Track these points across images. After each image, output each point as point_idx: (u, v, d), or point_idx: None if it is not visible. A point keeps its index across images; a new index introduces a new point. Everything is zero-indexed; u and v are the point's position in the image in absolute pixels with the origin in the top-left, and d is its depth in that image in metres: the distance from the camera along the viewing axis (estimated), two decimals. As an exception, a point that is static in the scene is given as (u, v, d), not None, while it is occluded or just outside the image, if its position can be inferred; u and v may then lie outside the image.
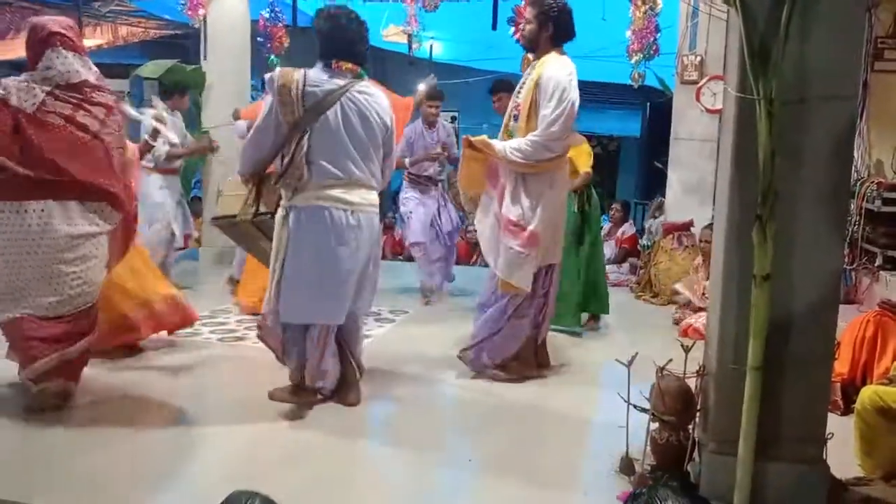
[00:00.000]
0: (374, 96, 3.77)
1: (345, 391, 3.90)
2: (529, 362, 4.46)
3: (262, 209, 3.87)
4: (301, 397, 3.81)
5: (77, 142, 3.56)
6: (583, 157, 5.66)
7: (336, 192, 3.62)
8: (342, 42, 3.74)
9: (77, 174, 3.55)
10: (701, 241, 6.31)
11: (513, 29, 7.20)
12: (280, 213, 3.70)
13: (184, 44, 11.31)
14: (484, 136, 4.30)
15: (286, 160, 3.60)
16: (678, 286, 6.39)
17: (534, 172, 4.15)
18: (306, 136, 3.58)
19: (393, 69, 11.09)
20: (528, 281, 4.21)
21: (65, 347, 3.63)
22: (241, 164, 3.83)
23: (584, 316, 5.80)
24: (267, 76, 3.66)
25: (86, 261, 3.64)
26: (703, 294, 5.87)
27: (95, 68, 3.78)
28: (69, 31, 3.73)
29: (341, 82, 3.67)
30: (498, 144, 4.19)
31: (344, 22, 3.76)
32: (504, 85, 5.78)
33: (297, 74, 3.62)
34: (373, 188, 3.77)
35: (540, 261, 4.26)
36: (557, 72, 4.10)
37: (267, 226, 3.85)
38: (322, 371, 3.80)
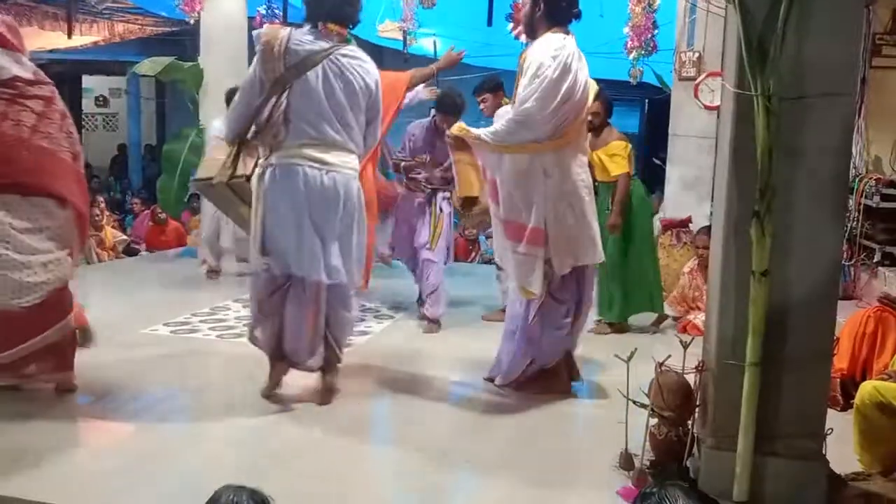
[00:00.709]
0: (359, 59, 3.76)
1: (323, 384, 3.88)
2: (560, 376, 4.13)
3: (240, 173, 3.85)
4: (276, 371, 3.81)
5: (11, 138, 3.53)
6: (616, 159, 5.30)
7: (311, 152, 3.61)
8: (329, 4, 3.71)
9: (13, 171, 3.53)
10: (698, 246, 5.91)
11: (511, 25, 7.19)
12: (257, 171, 3.72)
13: (181, 40, 11.29)
14: (461, 123, 4.02)
15: (264, 118, 3.62)
16: (669, 311, 5.85)
17: (517, 153, 3.77)
18: (285, 95, 3.59)
19: (388, 65, 11.07)
20: (538, 284, 3.85)
21: (32, 338, 3.62)
22: (227, 124, 3.85)
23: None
24: (254, 32, 3.71)
25: (37, 253, 3.61)
26: (693, 307, 5.65)
27: (31, 64, 3.74)
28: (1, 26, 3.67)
29: (326, 45, 3.66)
30: (474, 130, 3.89)
31: None
32: (489, 84, 5.51)
33: (283, 32, 3.63)
34: (351, 151, 3.75)
35: (560, 262, 3.86)
36: (539, 49, 3.79)
37: (243, 189, 3.84)
38: (311, 344, 3.74)
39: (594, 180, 5.32)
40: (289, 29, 3.65)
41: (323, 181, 3.62)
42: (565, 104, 3.70)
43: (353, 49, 3.77)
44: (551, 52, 3.71)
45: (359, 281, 4.04)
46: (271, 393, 3.84)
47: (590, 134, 5.10)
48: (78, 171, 3.81)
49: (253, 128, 3.70)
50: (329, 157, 3.65)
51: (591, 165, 5.24)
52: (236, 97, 3.80)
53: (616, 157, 5.33)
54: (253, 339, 3.88)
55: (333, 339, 3.84)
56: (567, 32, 3.83)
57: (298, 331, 3.72)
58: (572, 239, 3.88)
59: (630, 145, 5.49)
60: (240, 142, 3.79)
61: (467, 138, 3.88)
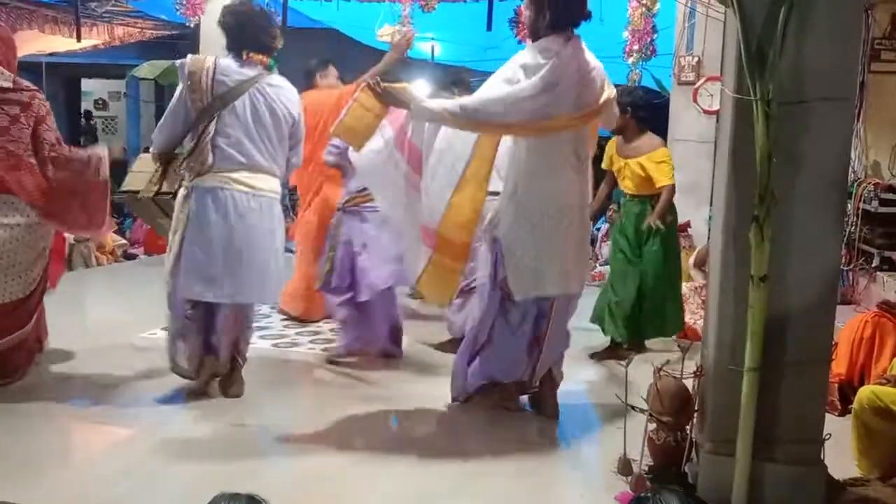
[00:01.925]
0: (282, 89, 3.92)
1: (228, 382, 3.97)
2: (511, 395, 3.90)
3: (165, 188, 4.00)
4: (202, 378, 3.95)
5: None
6: (663, 168, 4.79)
7: (238, 176, 3.76)
8: (249, 34, 3.86)
9: None
10: (698, 265, 5.69)
11: (515, 30, 7.20)
12: (182, 192, 3.83)
13: (180, 44, 11.29)
14: (405, 84, 3.66)
15: (193, 143, 3.76)
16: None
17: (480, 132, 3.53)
18: (213, 122, 3.74)
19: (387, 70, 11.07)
20: (440, 297, 3.87)
21: None
22: (155, 143, 3.94)
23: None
24: (178, 62, 3.82)
25: (7, 254, 3.78)
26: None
27: (9, 73, 3.86)
28: None
29: (251, 73, 3.82)
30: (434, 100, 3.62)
31: (248, 15, 3.91)
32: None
33: (208, 62, 3.78)
34: (275, 175, 3.91)
35: (515, 286, 3.57)
36: (528, 50, 3.59)
37: (167, 204, 4.01)
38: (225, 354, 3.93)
39: (624, 194, 5.02)
40: (213, 59, 3.81)
41: (250, 204, 3.78)
42: (556, 87, 3.40)
43: (276, 78, 3.93)
44: (533, 49, 3.55)
45: (274, 297, 4.23)
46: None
47: (619, 138, 4.92)
48: (43, 176, 3.87)
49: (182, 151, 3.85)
50: (255, 181, 3.81)
51: (613, 176, 4.98)
52: (163, 118, 3.91)
53: (663, 166, 4.80)
54: (174, 368, 3.95)
55: (236, 342, 4.00)
56: (569, 37, 3.54)
57: (219, 343, 3.91)
58: (543, 266, 3.55)
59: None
60: (166, 161, 3.91)
61: (406, 99, 3.52)
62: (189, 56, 3.83)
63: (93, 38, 10.12)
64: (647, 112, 4.91)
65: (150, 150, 4.04)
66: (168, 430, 3.59)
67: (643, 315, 4.89)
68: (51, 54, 10.83)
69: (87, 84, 16.71)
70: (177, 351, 3.92)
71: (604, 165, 5.08)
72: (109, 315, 5.06)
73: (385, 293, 4.62)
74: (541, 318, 3.65)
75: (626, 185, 4.94)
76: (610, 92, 3.62)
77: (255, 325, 4.34)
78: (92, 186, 4.03)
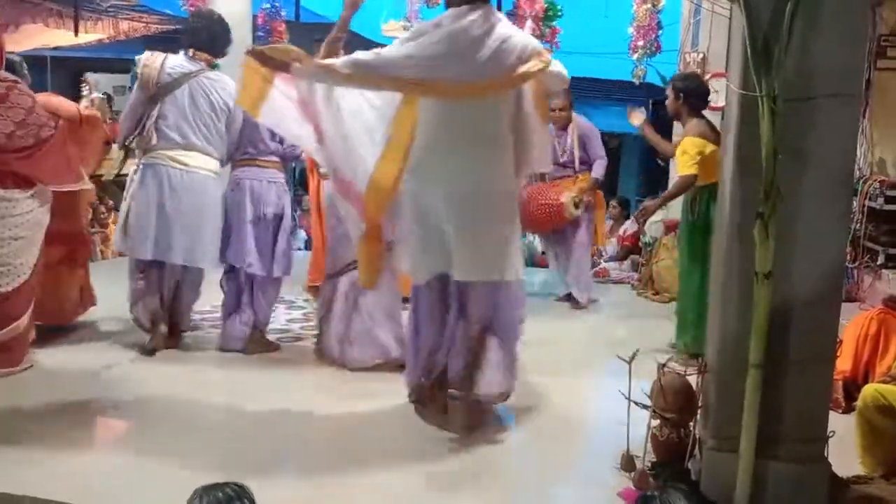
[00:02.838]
0: (220, 82, 4.54)
1: (170, 339, 4.64)
2: (435, 397, 3.72)
3: (124, 172, 4.87)
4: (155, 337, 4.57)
5: None
6: (683, 158, 4.63)
7: (174, 154, 4.43)
8: (205, 37, 4.58)
9: None
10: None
11: (514, 21, 7.19)
12: (132, 168, 4.59)
13: (184, 39, 11.29)
14: (287, 46, 3.52)
15: (140, 126, 4.47)
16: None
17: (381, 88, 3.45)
18: (156, 108, 4.43)
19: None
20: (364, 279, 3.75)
21: None
22: (120, 131, 4.62)
23: None
24: (137, 58, 4.50)
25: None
26: None
27: None
28: None
29: (194, 68, 4.51)
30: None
31: (210, 22, 4.67)
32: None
33: (159, 59, 4.48)
34: (210, 155, 4.53)
35: (407, 265, 3.60)
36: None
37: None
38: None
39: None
40: (164, 55, 4.51)
41: (182, 179, 4.43)
42: (441, 51, 3.31)
43: (217, 73, 4.62)
44: (445, 15, 3.46)
45: (213, 262, 4.63)
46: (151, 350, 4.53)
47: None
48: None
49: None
50: (189, 159, 4.45)
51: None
52: (125, 109, 4.60)
53: (682, 157, 4.64)
54: (135, 321, 4.61)
55: (179, 312, 4.71)
56: (475, 7, 3.39)
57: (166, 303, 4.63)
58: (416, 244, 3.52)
59: (708, 144, 4.58)
60: (126, 146, 4.62)
61: (286, 60, 3.39)
62: (144, 54, 4.52)
63: (98, 33, 10.14)
64: (697, 99, 4.77)
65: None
66: (171, 422, 3.60)
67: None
68: (55, 48, 10.84)
69: (92, 78, 16.71)
70: (137, 308, 4.56)
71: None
72: (112, 308, 5.06)
73: None
74: (457, 307, 3.53)
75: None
76: (534, 65, 3.37)
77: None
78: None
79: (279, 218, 4.59)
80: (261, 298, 4.63)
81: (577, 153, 6.06)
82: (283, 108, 3.54)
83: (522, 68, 3.36)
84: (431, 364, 3.63)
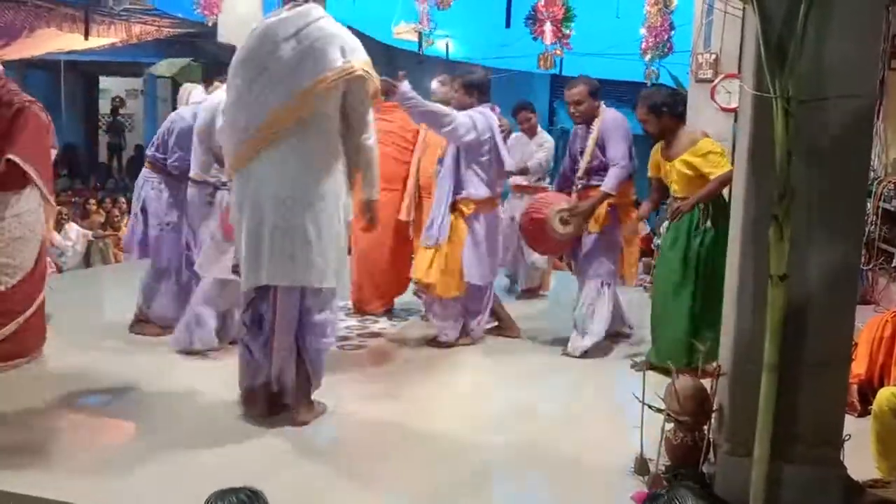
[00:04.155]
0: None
1: None
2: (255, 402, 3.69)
3: None
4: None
5: None
6: (712, 158, 4.30)
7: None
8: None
9: None
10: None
11: (532, 28, 7.19)
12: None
13: (197, 42, 11.34)
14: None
15: None
16: None
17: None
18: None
19: (403, 67, 11.09)
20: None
21: None
22: None
23: None
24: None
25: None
26: None
27: None
28: None
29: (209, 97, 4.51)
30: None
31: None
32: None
33: (186, 91, 4.89)
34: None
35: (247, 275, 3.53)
36: None
37: None
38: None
39: (667, 197, 4.59)
40: (191, 87, 4.86)
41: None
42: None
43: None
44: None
45: None
46: None
47: (662, 143, 4.52)
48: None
49: None
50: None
51: (662, 183, 4.53)
52: None
53: (711, 156, 4.30)
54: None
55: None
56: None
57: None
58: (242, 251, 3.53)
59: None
60: None
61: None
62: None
63: (110, 37, 10.20)
64: (682, 108, 4.67)
65: None
66: (180, 423, 3.60)
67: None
68: (69, 52, 10.91)
69: (104, 82, 16.85)
70: None
71: (650, 174, 4.72)
72: (124, 310, 5.08)
73: None
74: (273, 312, 3.54)
75: (675, 189, 4.50)
76: (331, 75, 3.36)
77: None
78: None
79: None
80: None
81: (586, 157, 4.86)
82: None
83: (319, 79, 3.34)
84: (255, 370, 3.60)
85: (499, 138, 4.90)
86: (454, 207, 4.83)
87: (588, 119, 4.87)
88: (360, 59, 3.44)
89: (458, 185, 4.84)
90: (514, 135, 6.66)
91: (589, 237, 4.80)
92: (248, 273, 3.52)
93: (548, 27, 7.11)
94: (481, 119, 4.80)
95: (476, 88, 4.93)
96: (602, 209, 4.74)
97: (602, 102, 4.89)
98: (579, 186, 4.92)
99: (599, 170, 4.79)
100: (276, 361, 3.56)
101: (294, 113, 3.36)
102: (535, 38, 7.30)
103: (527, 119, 6.63)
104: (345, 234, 3.63)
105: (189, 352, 4.48)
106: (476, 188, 4.83)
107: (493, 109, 4.97)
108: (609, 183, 4.68)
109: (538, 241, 4.99)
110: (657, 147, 4.62)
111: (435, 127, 4.78)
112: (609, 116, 4.83)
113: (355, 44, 3.46)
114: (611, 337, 5.03)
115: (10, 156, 4.11)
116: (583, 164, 4.87)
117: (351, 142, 3.54)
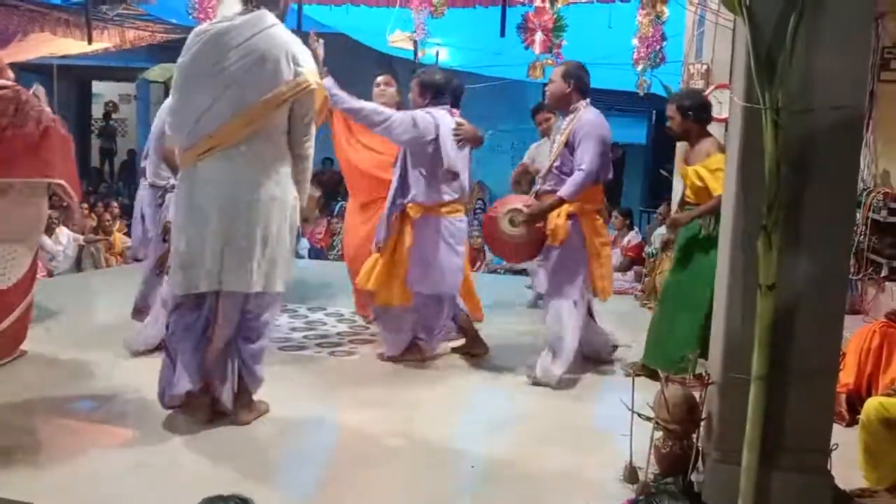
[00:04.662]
0: None
1: None
2: (197, 406, 3.63)
3: None
4: None
5: None
6: (719, 175, 4.13)
7: None
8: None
9: None
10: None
11: (523, 36, 7.22)
12: None
13: (191, 48, 11.32)
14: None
15: None
16: None
17: None
18: None
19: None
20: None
21: None
22: None
23: None
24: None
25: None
26: None
27: None
28: None
29: None
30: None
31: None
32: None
33: None
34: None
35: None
36: None
37: None
38: None
39: (685, 203, 4.55)
40: None
41: None
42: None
43: None
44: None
45: None
46: None
47: (686, 143, 4.58)
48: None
49: None
50: None
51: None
52: None
53: (719, 174, 4.18)
54: None
55: None
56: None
57: None
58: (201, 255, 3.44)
59: None
60: None
61: None
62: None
63: (104, 42, 10.18)
64: (706, 115, 4.60)
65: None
66: (173, 428, 3.59)
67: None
68: (63, 57, 10.89)
69: (97, 86, 16.83)
70: None
71: (679, 172, 4.73)
72: (115, 315, 5.08)
73: None
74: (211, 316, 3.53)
75: (687, 194, 4.55)
76: (284, 89, 3.37)
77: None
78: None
79: None
80: None
81: (552, 156, 4.50)
82: None
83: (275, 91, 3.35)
84: (192, 374, 3.54)
85: (446, 141, 4.56)
86: (403, 212, 4.62)
87: (557, 104, 4.60)
88: (310, 70, 3.43)
89: (406, 189, 4.62)
90: (535, 143, 6.65)
91: (552, 252, 4.43)
92: (183, 278, 3.45)
93: (538, 36, 7.14)
94: (425, 119, 4.54)
95: (429, 89, 4.69)
96: (561, 220, 4.34)
97: (587, 101, 4.49)
98: (538, 189, 4.62)
99: (564, 173, 4.40)
100: (217, 366, 3.52)
101: (246, 123, 3.34)
102: (526, 48, 7.34)
103: (546, 119, 6.37)
104: (290, 238, 3.57)
105: (136, 353, 4.52)
106: (421, 192, 4.57)
107: (451, 113, 4.75)
108: (567, 189, 4.27)
109: (491, 241, 4.73)
110: (686, 147, 4.68)
111: (368, 125, 4.60)
112: (587, 116, 4.41)
113: (305, 53, 3.45)
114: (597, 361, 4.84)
115: (57, 180, 4.25)
116: (547, 163, 4.58)
117: (292, 150, 3.52)
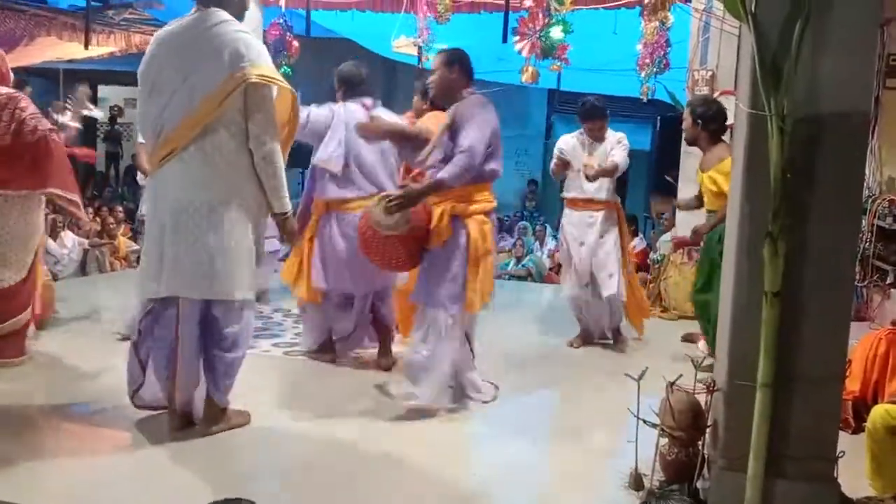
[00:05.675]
0: None
1: None
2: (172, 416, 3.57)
3: None
4: None
5: None
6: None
7: None
8: None
9: None
10: None
11: (516, 39, 7.24)
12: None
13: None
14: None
15: None
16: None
17: None
18: None
19: (403, 80, 11.15)
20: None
21: None
22: None
23: None
24: None
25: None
26: None
27: None
28: None
29: None
30: None
31: None
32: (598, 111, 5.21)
33: None
34: None
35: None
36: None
37: None
38: None
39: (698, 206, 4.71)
40: None
41: None
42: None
43: None
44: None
45: None
46: None
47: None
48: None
49: None
50: None
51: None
52: None
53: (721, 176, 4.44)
54: None
55: None
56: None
57: None
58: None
59: None
60: None
61: None
62: None
63: (110, 46, 10.20)
64: (717, 125, 4.65)
65: None
66: (173, 434, 3.57)
67: None
68: (69, 61, 10.93)
69: (103, 91, 16.85)
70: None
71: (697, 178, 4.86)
72: (117, 319, 5.08)
73: None
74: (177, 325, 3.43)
75: (705, 201, 4.64)
76: (238, 79, 3.24)
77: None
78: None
79: None
80: None
81: (426, 150, 4.04)
82: None
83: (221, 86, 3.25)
84: (162, 381, 3.53)
85: (335, 135, 4.44)
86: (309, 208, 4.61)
87: (442, 95, 4.14)
88: (257, 65, 3.27)
89: (313, 184, 4.62)
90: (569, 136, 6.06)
91: (429, 254, 3.94)
92: (146, 281, 3.41)
93: (527, 40, 7.17)
94: (318, 114, 4.48)
95: (342, 82, 4.63)
96: (444, 222, 3.86)
97: (472, 88, 4.07)
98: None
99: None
100: (181, 374, 3.44)
101: (194, 124, 3.26)
102: (518, 53, 7.38)
103: (599, 128, 5.65)
104: (252, 242, 3.43)
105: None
106: (323, 187, 4.52)
107: (364, 106, 4.57)
108: (448, 170, 3.75)
109: (365, 242, 4.00)
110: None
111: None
112: (468, 101, 3.97)
113: (254, 48, 3.31)
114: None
115: (52, 189, 4.31)
116: (426, 154, 4.04)
117: (252, 151, 3.35)
